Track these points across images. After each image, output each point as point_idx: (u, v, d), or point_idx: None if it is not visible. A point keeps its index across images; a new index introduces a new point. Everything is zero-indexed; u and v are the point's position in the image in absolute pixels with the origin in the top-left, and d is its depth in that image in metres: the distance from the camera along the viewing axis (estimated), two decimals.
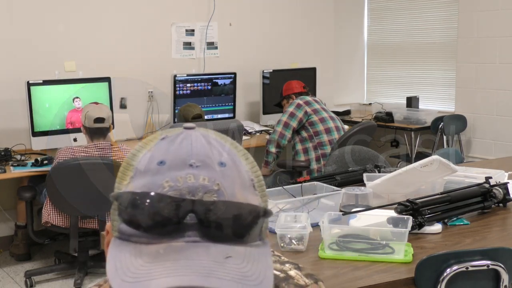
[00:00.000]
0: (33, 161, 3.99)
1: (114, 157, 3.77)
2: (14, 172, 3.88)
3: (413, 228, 1.99)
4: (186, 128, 0.71)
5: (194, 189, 0.65)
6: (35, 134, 4.27)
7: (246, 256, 0.64)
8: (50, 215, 3.75)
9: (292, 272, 0.91)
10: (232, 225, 0.64)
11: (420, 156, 4.96)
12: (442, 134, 5.32)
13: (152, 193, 0.65)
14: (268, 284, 0.63)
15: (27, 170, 3.92)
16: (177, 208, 0.63)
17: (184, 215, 0.63)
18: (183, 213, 0.63)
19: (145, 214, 0.64)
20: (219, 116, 5.22)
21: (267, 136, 4.73)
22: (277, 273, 0.90)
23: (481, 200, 2.29)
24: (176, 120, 4.84)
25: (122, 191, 0.67)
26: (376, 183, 2.42)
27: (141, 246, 0.64)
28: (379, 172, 2.74)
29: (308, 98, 4.55)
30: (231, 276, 0.61)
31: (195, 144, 0.68)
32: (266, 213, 0.68)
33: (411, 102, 5.69)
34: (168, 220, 0.63)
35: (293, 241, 1.95)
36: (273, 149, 4.44)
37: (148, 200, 0.64)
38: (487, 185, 2.33)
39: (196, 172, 0.66)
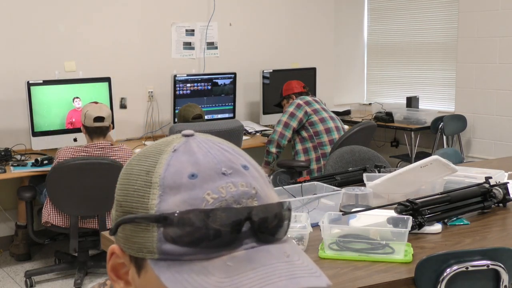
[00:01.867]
0: (33, 161, 3.99)
1: (114, 157, 3.76)
2: (14, 172, 3.88)
3: (413, 228, 1.99)
4: (186, 135, 0.70)
5: (238, 197, 0.64)
6: (35, 134, 4.27)
7: (293, 251, 0.65)
8: (50, 215, 3.75)
9: None
10: (279, 224, 0.66)
11: (420, 156, 4.96)
12: (442, 134, 5.32)
13: (208, 208, 0.63)
14: (322, 273, 0.64)
15: (27, 170, 3.92)
16: (235, 219, 0.63)
17: (242, 225, 0.63)
18: (241, 222, 0.63)
19: (203, 231, 0.62)
20: (219, 116, 5.22)
21: (267, 136, 4.73)
22: None
23: (481, 200, 2.29)
24: (176, 120, 4.84)
25: (165, 212, 0.63)
26: (376, 183, 2.43)
27: (202, 262, 0.62)
28: (379, 172, 2.73)
29: (308, 98, 4.55)
30: (306, 272, 0.62)
31: (213, 151, 0.67)
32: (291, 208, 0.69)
33: (411, 102, 5.69)
34: (228, 232, 0.63)
35: (293, 241, 1.95)
36: (273, 149, 4.44)
37: (204, 216, 0.62)
38: (487, 185, 2.32)
39: (233, 179, 0.65)
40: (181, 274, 0.62)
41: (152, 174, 0.66)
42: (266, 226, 0.64)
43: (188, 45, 5.29)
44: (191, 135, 0.70)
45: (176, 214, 0.63)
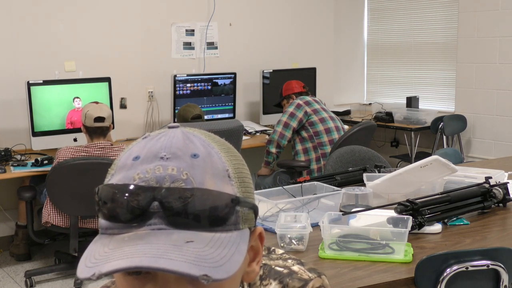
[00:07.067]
0: (33, 161, 3.99)
1: (114, 157, 3.76)
2: (14, 172, 3.88)
3: (413, 228, 1.99)
4: (170, 127, 0.73)
5: (161, 178, 0.66)
6: (35, 134, 4.27)
7: (211, 242, 0.64)
8: (50, 215, 3.75)
9: (295, 267, 0.91)
10: (195, 210, 0.65)
11: (420, 156, 4.96)
12: (442, 134, 5.32)
13: (116, 184, 0.67)
14: (231, 268, 0.62)
15: (27, 170, 3.92)
16: (139, 197, 0.65)
17: (147, 203, 0.65)
18: (146, 201, 0.65)
19: (112, 206, 0.66)
20: (219, 116, 5.22)
21: (267, 136, 4.73)
22: (280, 269, 0.91)
23: (481, 200, 2.29)
24: (175, 120, 4.84)
25: (96, 188, 0.69)
26: (376, 183, 2.43)
27: (113, 236, 0.66)
28: (379, 172, 2.73)
29: (308, 98, 4.55)
30: (186, 258, 0.60)
31: (171, 139, 0.70)
32: (237, 200, 0.68)
33: (411, 102, 5.69)
34: (133, 209, 0.65)
35: (293, 241, 1.95)
36: (273, 149, 4.44)
37: (113, 192, 0.66)
38: (487, 185, 2.33)
39: (165, 163, 0.67)
40: (95, 245, 0.66)
41: (119, 157, 0.72)
42: (178, 208, 0.64)
43: (188, 45, 5.29)
44: (176, 127, 0.73)
45: (97, 190, 0.67)
